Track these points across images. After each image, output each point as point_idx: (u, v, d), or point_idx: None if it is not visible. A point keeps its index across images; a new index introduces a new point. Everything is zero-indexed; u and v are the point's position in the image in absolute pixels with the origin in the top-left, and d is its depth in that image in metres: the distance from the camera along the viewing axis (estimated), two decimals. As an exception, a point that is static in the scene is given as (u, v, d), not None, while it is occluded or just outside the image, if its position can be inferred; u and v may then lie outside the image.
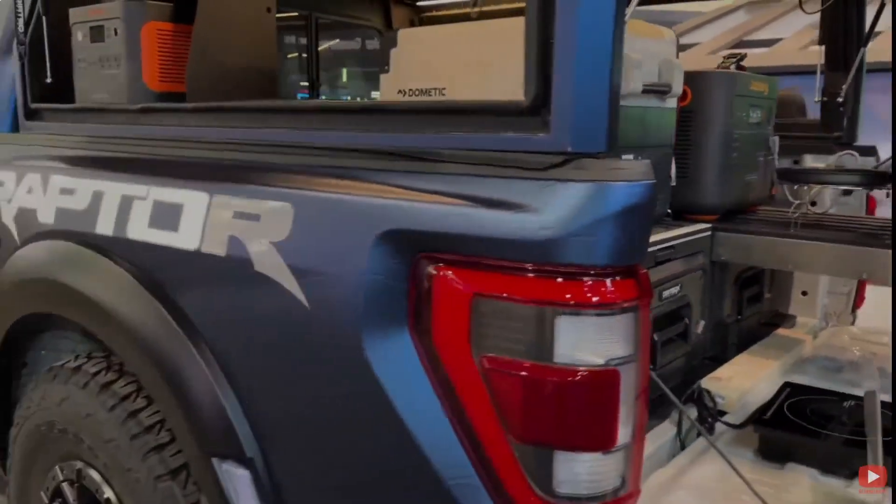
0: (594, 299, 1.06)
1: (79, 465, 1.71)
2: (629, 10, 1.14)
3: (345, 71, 3.28)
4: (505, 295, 1.10)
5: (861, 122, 2.61)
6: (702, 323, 2.00)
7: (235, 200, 1.36)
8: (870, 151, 2.52)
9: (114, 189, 1.57)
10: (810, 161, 2.56)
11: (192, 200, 1.42)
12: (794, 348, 2.21)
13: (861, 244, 1.85)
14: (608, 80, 1.08)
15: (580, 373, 1.07)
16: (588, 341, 1.07)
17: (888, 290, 1.69)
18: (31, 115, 2.10)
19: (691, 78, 2.01)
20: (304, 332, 1.28)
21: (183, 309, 1.43)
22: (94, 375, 1.64)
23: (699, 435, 1.63)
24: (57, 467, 1.76)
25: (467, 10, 3.33)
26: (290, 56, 3.61)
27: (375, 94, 3.18)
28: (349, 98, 3.30)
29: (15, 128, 2.16)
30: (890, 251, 1.75)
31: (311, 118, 1.44)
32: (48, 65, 2.06)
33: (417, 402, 1.18)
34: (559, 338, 1.07)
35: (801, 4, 2.54)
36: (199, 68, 1.79)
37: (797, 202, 2.11)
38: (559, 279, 1.07)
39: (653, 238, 1.65)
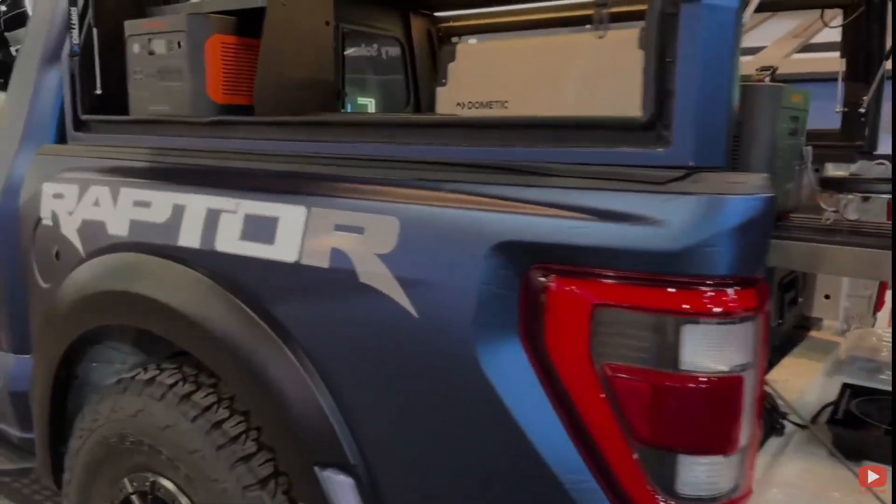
0: (718, 308, 1.11)
1: (151, 476, 1.71)
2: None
3: (365, 79, 3.29)
4: (628, 305, 1.14)
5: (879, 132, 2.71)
6: None
7: (337, 214, 1.39)
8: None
9: (197, 202, 1.58)
10: (832, 170, 2.64)
11: (289, 214, 1.44)
12: (832, 350, 2.29)
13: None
14: (727, 96, 1.13)
15: (705, 379, 1.12)
16: (712, 349, 1.12)
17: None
18: (81, 126, 2.10)
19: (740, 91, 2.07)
20: (412, 341, 1.31)
21: (279, 318, 1.45)
22: (172, 387, 1.64)
23: (770, 436, 1.69)
24: (126, 479, 1.76)
25: (486, 20, 3.39)
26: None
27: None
28: (368, 105, 3.33)
29: (61, 139, 2.15)
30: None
31: (411, 132, 1.47)
32: (98, 76, 2.06)
33: (532, 407, 1.22)
34: (684, 345, 1.11)
35: (822, 17, 2.63)
36: (266, 81, 1.81)
37: (831, 209, 2.18)
38: (684, 289, 1.11)
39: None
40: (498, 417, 1.22)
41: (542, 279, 1.21)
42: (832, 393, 1.91)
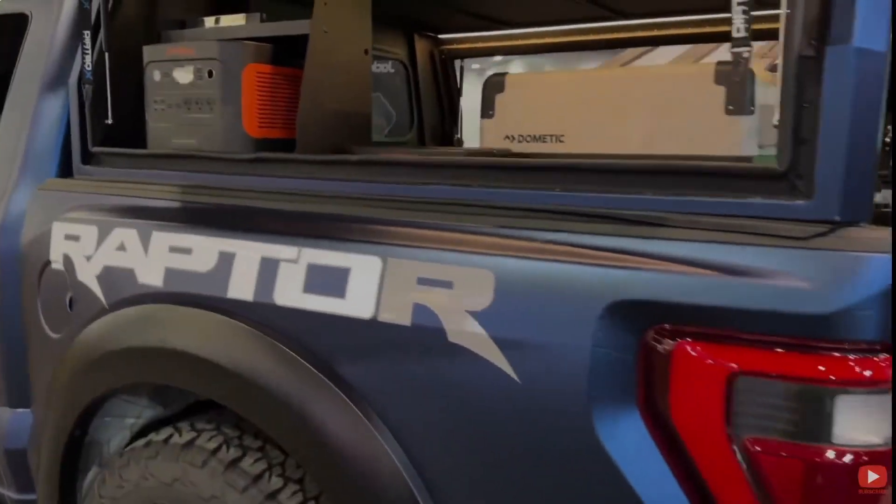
0: (872, 376, 1.02)
1: (187, 550, 1.54)
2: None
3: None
4: (772, 373, 1.05)
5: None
6: None
7: (419, 265, 1.26)
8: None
9: (249, 249, 1.43)
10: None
11: (362, 265, 1.31)
12: None
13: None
14: (875, 144, 1.05)
15: (859, 453, 1.02)
16: (866, 420, 1.03)
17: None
18: (90, 158, 1.93)
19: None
20: (512, 408, 1.19)
21: (348, 379, 1.32)
22: (214, 452, 1.49)
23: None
24: (157, 552, 1.59)
25: (490, 43, 3.30)
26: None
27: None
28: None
29: (65, 172, 1.97)
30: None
31: (504, 175, 1.35)
32: (109, 105, 1.90)
33: (656, 482, 1.11)
34: (838, 417, 1.02)
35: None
36: (309, 115, 1.68)
37: None
38: (835, 356, 1.02)
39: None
40: (617, 493, 1.11)
41: (667, 342, 1.10)
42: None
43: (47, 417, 1.80)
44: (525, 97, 1.80)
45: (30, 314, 1.88)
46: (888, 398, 1.04)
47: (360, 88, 1.86)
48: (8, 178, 1.99)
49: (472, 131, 2.38)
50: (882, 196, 2.54)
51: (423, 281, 1.26)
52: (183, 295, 1.50)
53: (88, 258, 1.68)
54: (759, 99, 1.59)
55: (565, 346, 1.14)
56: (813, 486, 1.04)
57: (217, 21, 1.88)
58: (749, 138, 1.56)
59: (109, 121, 1.90)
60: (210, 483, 1.47)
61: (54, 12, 2.09)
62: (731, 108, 1.56)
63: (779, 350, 1.04)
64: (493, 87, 1.84)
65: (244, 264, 1.43)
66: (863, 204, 1.06)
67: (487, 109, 1.86)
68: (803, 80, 1.06)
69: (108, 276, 1.64)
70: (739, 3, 1.06)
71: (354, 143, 1.83)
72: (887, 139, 2.59)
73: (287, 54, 1.79)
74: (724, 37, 2.86)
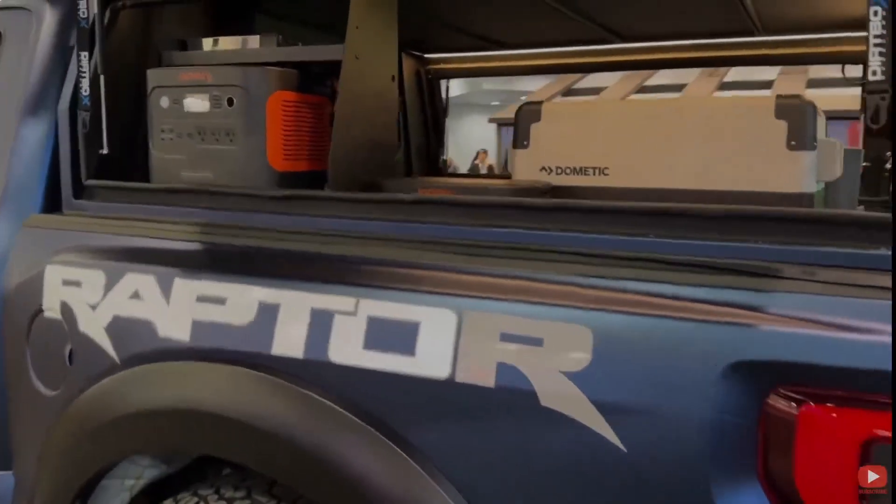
0: None
1: None
2: None
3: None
4: (914, 439, 0.97)
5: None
6: None
7: (502, 319, 1.14)
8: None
9: (295, 299, 1.28)
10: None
11: (434, 318, 1.18)
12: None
13: None
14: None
15: None
16: None
17: None
18: (83, 192, 1.74)
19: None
20: (618, 478, 1.08)
21: (418, 445, 1.18)
22: (253, 527, 1.33)
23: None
24: None
25: (477, 63, 3.21)
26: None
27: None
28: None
29: (51, 207, 1.78)
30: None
31: (583, 218, 1.24)
32: (105, 133, 1.72)
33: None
34: None
35: (843, 73, 2.62)
36: (342, 147, 1.54)
37: None
38: None
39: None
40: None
41: (791, 405, 1.02)
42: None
43: (39, 485, 1.60)
44: (563, 127, 1.71)
45: (14, 367, 1.67)
46: None
47: (387, 117, 1.73)
48: (-16, 214, 1.79)
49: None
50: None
51: (507, 337, 1.14)
52: (217, 351, 1.34)
53: (94, 307, 1.50)
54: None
55: (678, 410, 1.04)
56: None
57: (220, 42, 1.72)
58: (810, 174, 1.51)
59: (105, 150, 1.72)
60: (250, 562, 1.31)
61: (31, 32, 1.89)
62: (793, 143, 1.50)
63: (920, 415, 0.97)
64: (528, 115, 1.74)
65: (291, 316, 1.28)
66: None
67: (521, 139, 1.75)
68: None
69: (120, 327, 1.46)
70: (876, 43, 0.98)
71: (383, 176, 1.71)
72: (888, 165, 2.61)
73: (308, 80, 1.65)
74: (721, 61, 2.83)
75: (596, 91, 8.24)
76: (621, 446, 1.07)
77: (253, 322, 1.31)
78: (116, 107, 1.75)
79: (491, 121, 8.28)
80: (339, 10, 2.12)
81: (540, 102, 1.75)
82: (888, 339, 0.97)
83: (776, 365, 1.01)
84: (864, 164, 2.42)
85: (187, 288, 1.39)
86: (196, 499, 1.42)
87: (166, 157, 1.65)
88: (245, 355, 1.31)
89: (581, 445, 1.08)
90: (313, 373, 1.26)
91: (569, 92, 8.63)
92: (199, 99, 1.59)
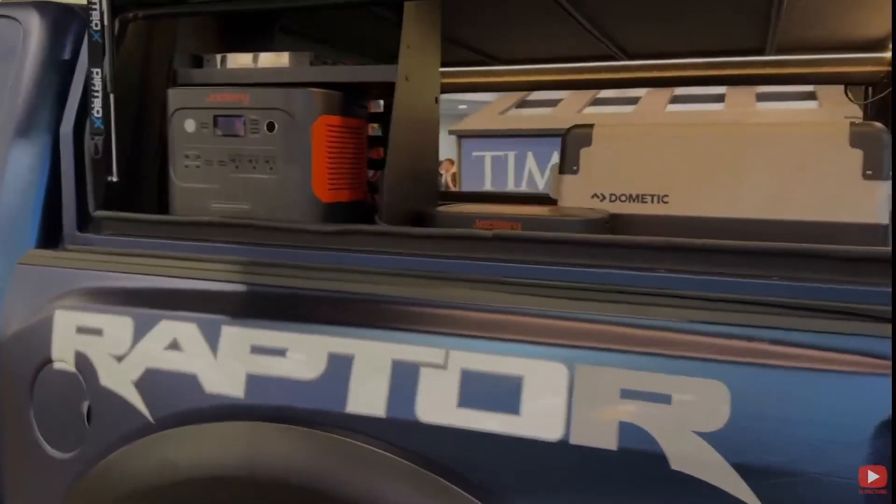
0: None
1: None
2: None
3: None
4: None
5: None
6: None
7: (621, 374, 1.04)
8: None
9: (373, 350, 1.15)
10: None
11: (541, 371, 1.07)
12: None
13: None
14: None
15: None
16: None
17: None
18: (89, 224, 1.55)
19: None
20: (762, 549, 0.98)
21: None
22: None
23: None
24: None
25: (467, 79, 3.10)
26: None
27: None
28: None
29: (48, 242, 1.58)
30: None
31: (689, 258, 1.13)
32: (114, 159, 1.54)
33: None
34: None
35: (846, 93, 2.62)
36: (395, 175, 1.41)
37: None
38: None
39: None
40: None
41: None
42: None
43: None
44: (618, 151, 1.62)
45: (14, 425, 1.47)
46: None
47: (430, 141, 1.61)
48: (-32, 249, 1.58)
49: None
50: None
51: (629, 394, 1.03)
52: (279, 409, 1.19)
53: (120, 358, 1.32)
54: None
55: (829, 473, 0.95)
56: None
57: (251, 60, 1.57)
58: (886, 204, 1.45)
59: (114, 178, 1.54)
60: None
61: (19, 44, 1.70)
62: (869, 172, 1.45)
63: None
64: (578, 139, 1.64)
65: (369, 369, 1.14)
66: None
67: (570, 165, 1.65)
68: None
69: (154, 382, 1.29)
70: None
71: (427, 205, 1.58)
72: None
73: (346, 102, 1.51)
74: (726, 80, 2.80)
75: (552, 103, 8.24)
76: (768, 513, 0.97)
77: (323, 376, 1.17)
78: (125, 130, 1.57)
79: (451, 132, 8.16)
80: (361, 28, 1.99)
81: (591, 125, 1.65)
82: None
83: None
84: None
85: (238, 337, 1.23)
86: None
87: (191, 187, 1.48)
88: (315, 414, 1.16)
89: (720, 511, 0.98)
90: (398, 434, 1.12)
91: (522, 104, 8.61)
92: (230, 122, 1.43)
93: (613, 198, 1.62)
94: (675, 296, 1.09)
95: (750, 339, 1.01)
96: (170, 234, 1.46)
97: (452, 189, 7.41)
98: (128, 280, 1.40)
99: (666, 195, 1.58)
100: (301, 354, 1.19)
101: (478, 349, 1.11)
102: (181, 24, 1.65)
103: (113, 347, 1.34)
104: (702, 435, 1.00)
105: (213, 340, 1.25)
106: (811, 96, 7.08)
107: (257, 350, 1.22)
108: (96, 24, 1.46)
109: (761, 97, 7.27)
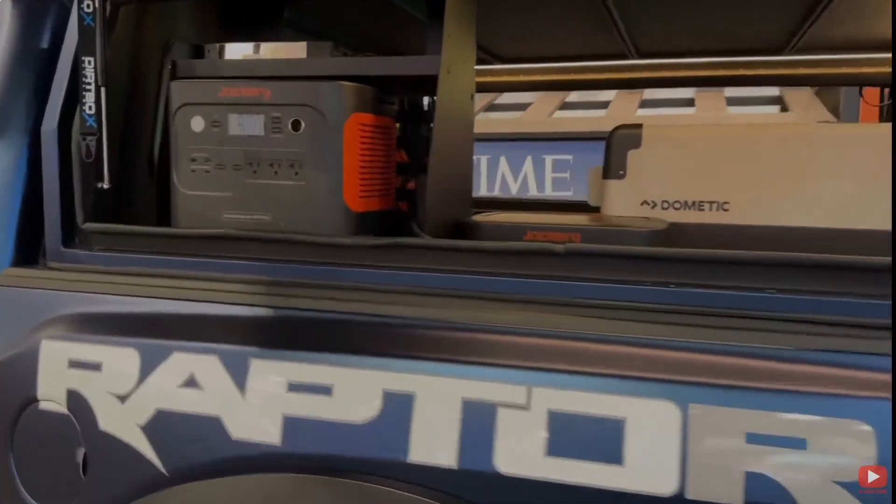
0: None
1: None
2: None
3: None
4: None
5: None
6: None
7: (745, 416, 0.88)
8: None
9: (438, 388, 0.97)
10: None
11: (646, 413, 0.90)
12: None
13: None
14: None
15: None
16: None
17: None
18: (74, 239, 1.34)
19: None
20: None
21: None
22: None
23: None
24: None
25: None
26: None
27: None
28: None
29: (26, 258, 1.37)
30: None
31: (800, 274, 0.99)
32: (105, 163, 1.34)
33: None
34: None
35: (861, 96, 2.54)
36: (438, 181, 1.24)
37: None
38: None
39: None
40: None
41: None
42: None
43: None
44: (671, 155, 1.48)
45: (-11, 475, 1.25)
46: None
47: (467, 142, 1.44)
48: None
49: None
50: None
51: (755, 438, 0.88)
52: (323, 458, 1.00)
53: (123, 398, 1.12)
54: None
55: None
56: None
57: (264, 50, 1.38)
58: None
59: (105, 185, 1.33)
60: None
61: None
62: (955, 176, 1.32)
63: None
64: (625, 141, 1.49)
65: (434, 410, 0.97)
66: None
67: (616, 169, 1.50)
68: None
69: (167, 427, 1.09)
70: None
71: (463, 214, 1.41)
72: None
73: (377, 98, 1.34)
74: (738, 80, 2.69)
75: (521, 107, 8.11)
76: (924, 576, 0.82)
77: (378, 418, 0.99)
78: (114, 128, 1.37)
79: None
80: (368, 22, 1.82)
81: (639, 126, 1.50)
82: None
83: None
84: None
85: (269, 372, 1.04)
86: None
87: (199, 195, 1.29)
88: (369, 464, 0.98)
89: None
90: (472, 487, 0.95)
91: (490, 108, 8.47)
92: (251, 120, 1.24)
93: (666, 205, 1.48)
94: (794, 320, 0.94)
95: (887, 370, 0.87)
96: (177, 249, 1.26)
97: None
98: (129, 304, 1.20)
99: (726, 202, 1.44)
100: (350, 392, 1.00)
101: (566, 385, 0.94)
102: (178, 10, 1.45)
103: (114, 385, 1.13)
104: (845, 486, 0.85)
105: (239, 376, 1.06)
106: (778, 101, 7.09)
107: (296, 387, 1.03)
108: (88, 6, 1.25)
109: (731, 101, 7.25)
